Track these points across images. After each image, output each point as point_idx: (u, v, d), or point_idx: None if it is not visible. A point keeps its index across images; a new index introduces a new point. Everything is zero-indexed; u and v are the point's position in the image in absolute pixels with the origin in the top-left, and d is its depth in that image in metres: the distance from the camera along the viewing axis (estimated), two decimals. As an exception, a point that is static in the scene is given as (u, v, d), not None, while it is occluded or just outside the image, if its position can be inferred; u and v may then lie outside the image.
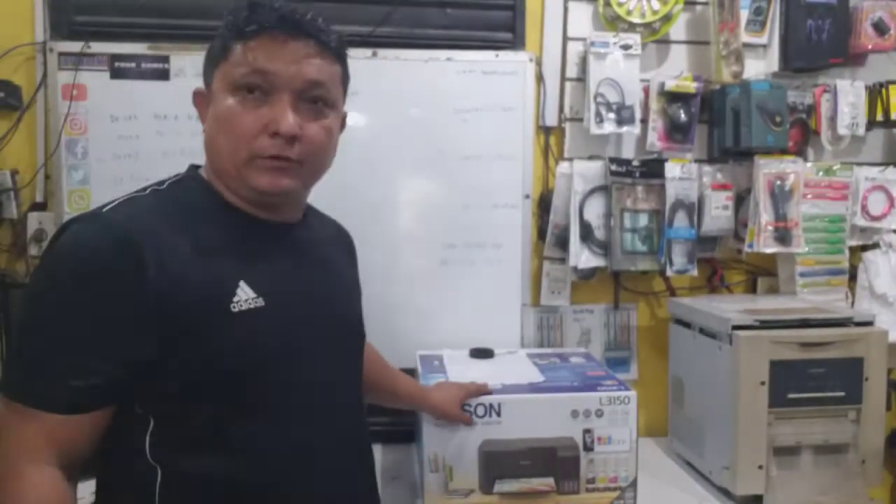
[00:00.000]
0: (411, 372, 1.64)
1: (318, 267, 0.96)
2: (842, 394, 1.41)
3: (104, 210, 0.80)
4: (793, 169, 1.69)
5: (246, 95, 0.83)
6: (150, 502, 0.79)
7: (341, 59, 0.91)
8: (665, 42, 1.75)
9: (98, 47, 1.58)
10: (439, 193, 1.69)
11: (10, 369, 0.77)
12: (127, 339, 0.76)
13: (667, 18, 1.69)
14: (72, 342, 0.75)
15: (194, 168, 0.93)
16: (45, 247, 0.81)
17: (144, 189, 0.87)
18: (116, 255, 0.76)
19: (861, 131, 1.75)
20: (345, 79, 0.93)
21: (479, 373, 1.40)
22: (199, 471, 0.80)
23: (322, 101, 0.87)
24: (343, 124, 0.97)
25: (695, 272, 1.72)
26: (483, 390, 1.29)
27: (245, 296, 0.82)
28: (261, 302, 0.83)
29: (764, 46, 1.76)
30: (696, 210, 1.72)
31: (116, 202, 0.82)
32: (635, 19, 1.67)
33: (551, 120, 1.73)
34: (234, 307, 0.81)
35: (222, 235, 0.85)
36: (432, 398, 1.27)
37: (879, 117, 1.75)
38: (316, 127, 0.86)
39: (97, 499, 0.85)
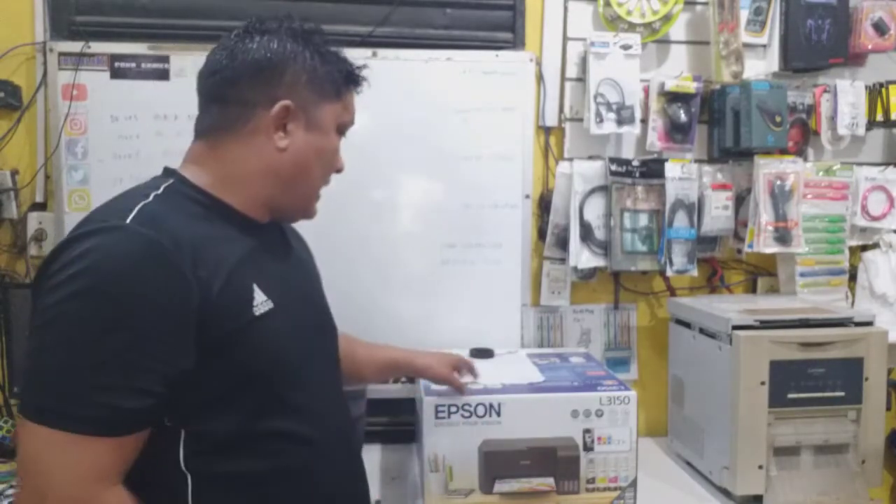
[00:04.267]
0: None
1: (298, 265, 1.02)
2: (842, 394, 1.41)
3: (127, 221, 0.77)
4: (793, 169, 1.69)
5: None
6: None
7: None
8: (665, 42, 1.75)
9: (98, 47, 1.58)
10: (439, 193, 1.69)
11: (47, 395, 0.72)
12: (175, 357, 0.77)
13: (667, 18, 1.69)
14: (127, 365, 0.73)
15: (171, 171, 0.90)
16: (61, 258, 0.75)
17: (146, 195, 0.83)
18: (164, 279, 0.75)
19: (861, 131, 1.75)
20: None
21: (479, 373, 1.40)
22: (228, 474, 0.82)
23: None
24: None
25: (695, 272, 1.72)
26: (471, 368, 1.34)
27: (260, 299, 0.85)
28: (271, 304, 0.85)
29: (764, 46, 1.76)
30: (696, 210, 1.72)
31: (138, 211, 0.79)
32: (635, 19, 1.67)
33: (551, 120, 1.73)
34: (256, 311, 0.83)
35: (233, 241, 0.87)
36: (419, 361, 1.30)
37: (879, 117, 1.76)
38: None
39: None
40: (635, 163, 1.71)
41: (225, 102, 0.88)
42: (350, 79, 0.95)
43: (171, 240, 0.77)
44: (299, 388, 0.89)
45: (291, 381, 0.88)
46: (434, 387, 1.34)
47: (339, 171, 1.00)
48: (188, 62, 1.58)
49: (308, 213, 0.98)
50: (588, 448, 1.29)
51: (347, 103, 0.96)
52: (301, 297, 0.95)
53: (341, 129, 0.97)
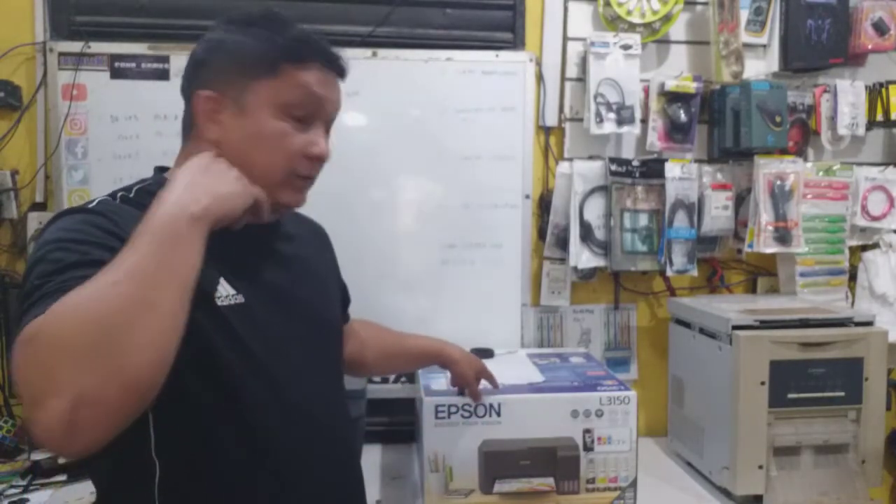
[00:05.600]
0: (411, 372, 1.65)
1: (294, 265, 0.97)
2: (842, 394, 1.41)
3: (94, 205, 0.81)
4: (793, 169, 1.69)
5: (294, 119, 0.87)
6: (150, 499, 0.79)
7: None
8: (665, 42, 1.75)
9: (98, 47, 1.58)
10: (439, 193, 1.69)
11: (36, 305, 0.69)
12: None
13: (667, 18, 1.69)
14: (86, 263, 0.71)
15: (160, 171, 0.92)
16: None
17: (113, 195, 0.84)
18: (109, 237, 0.75)
19: (861, 131, 1.75)
20: None
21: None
22: (194, 466, 0.81)
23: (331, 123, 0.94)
24: None
25: (695, 272, 1.72)
26: (493, 381, 1.31)
27: (225, 292, 0.83)
28: (241, 298, 0.84)
29: (764, 46, 1.76)
30: (696, 210, 1.72)
31: (94, 200, 0.82)
32: (635, 19, 1.67)
33: (551, 120, 1.73)
34: (218, 301, 0.82)
35: None
36: (450, 351, 1.27)
37: (879, 117, 1.76)
38: (328, 148, 0.93)
39: (98, 499, 0.85)
40: (635, 163, 1.71)
41: (186, 102, 0.90)
42: (289, 51, 0.85)
43: (121, 212, 0.79)
44: (271, 386, 0.86)
45: (261, 379, 0.85)
46: (434, 387, 1.34)
47: (315, 157, 0.88)
48: (188, 62, 1.58)
49: (278, 202, 0.88)
50: (588, 448, 1.29)
51: (291, 78, 0.85)
52: (286, 297, 0.92)
53: (290, 109, 0.86)
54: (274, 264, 0.94)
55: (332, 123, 0.94)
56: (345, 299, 1.18)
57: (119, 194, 0.85)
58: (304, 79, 0.86)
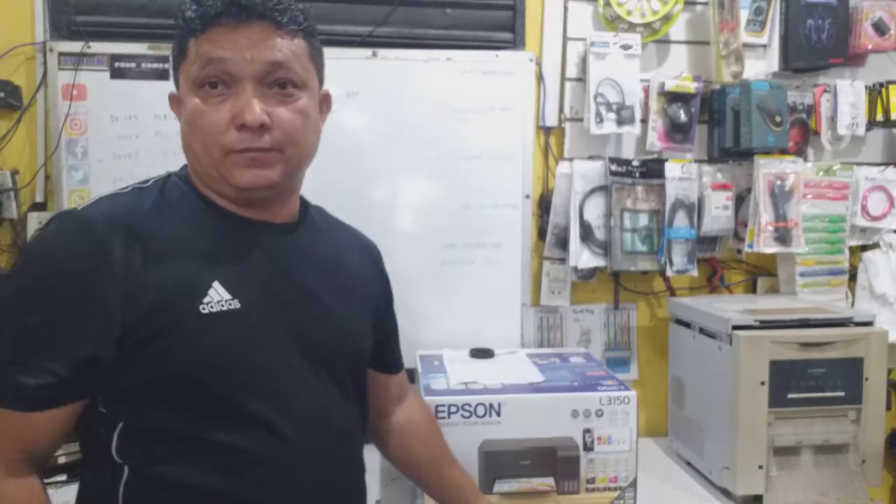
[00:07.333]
0: (411, 372, 1.65)
1: (309, 271, 0.89)
2: (842, 394, 1.41)
3: (82, 207, 0.80)
4: (793, 169, 1.69)
5: (209, 91, 0.80)
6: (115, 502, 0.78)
7: (306, 34, 0.84)
8: (665, 42, 1.75)
9: (98, 47, 1.57)
10: (439, 193, 1.69)
11: None
12: (83, 339, 0.74)
13: (667, 18, 1.69)
14: (28, 340, 0.74)
15: (185, 167, 0.90)
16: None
17: (128, 187, 0.86)
18: (82, 254, 0.75)
19: (861, 131, 1.75)
20: (314, 54, 0.87)
21: (479, 373, 1.40)
22: (164, 475, 0.77)
23: (290, 82, 0.82)
24: (327, 104, 0.93)
25: (695, 272, 1.72)
26: None
27: (217, 297, 0.79)
28: (236, 304, 0.79)
29: (764, 46, 1.76)
30: (696, 210, 1.72)
31: (98, 199, 0.82)
32: (635, 19, 1.67)
33: (551, 120, 1.73)
34: (203, 308, 0.77)
35: (200, 234, 0.82)
36: None
37: (879, 117, 1.76)
38: (286, 111, 0.82)
39: (77, 499, 0.85)
40: (635, 163, 1.71)
41: None
42: (188, 27, 0.80)
43: (105, 217, 0.78)
44: (265, 399, 0.80)
45: (249, 391, 0.79)
46: (434, 386, 1.34)
47: (242, 125, 0.79)
48: (188, 62, 1.58)
49: (236, 185, 0.81)
50: (588, 448, 1.29)
51: (194, 51, 0.80)
52: (292, 304, 0.85)
53: (200, 83, 0.80)
54: (286, 267, 0.86)
55: (276, 76, 0.81)
56: (389, 338, 1.08)
57: (132, 187, 0.86)
58: (203, 47, 0.79)
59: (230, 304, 0.79)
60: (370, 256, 1.06)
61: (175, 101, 0.87)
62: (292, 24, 0.81)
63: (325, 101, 0.92)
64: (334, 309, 0.90)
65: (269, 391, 0.81)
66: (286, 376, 0.83)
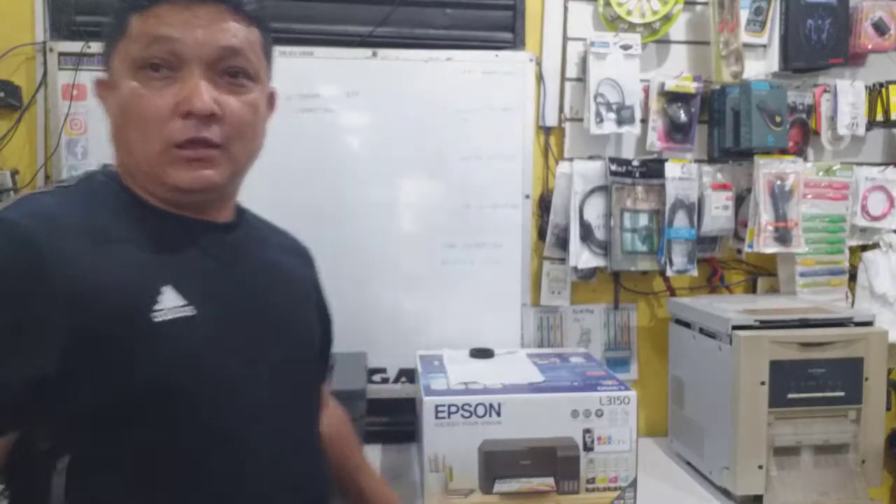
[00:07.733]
0: (411, 372, 1.65)
1: (258, 271, 0.83)
2: (842, 394, 1.41)
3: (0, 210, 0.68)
4: (793, 169, 1.69)
5: (151, 74, 0.71)
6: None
7: (260, 25, 0.78)
8: (665, 42, 1.75)
9: (98, 47, 1.57)
10: (439, 193, 1.69)
11: None
12: (19, 352, 0.63)
13: (667, 18, 1.69)
14: None
15: (107, 166, 0.82)
16: None
17: (49, 186, 0.77)
18: (9, 259, 0.64)
19: (861, 131, 1.75)
20: (267, 48, 0.80)
21: (479, 373, 1.40)
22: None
23: (242, 72, 0.75)
24: (272, 104, 0.85)
25: (695, 272, 1.71)
26: None
27: (170, 303, 0.70)
28: (190, 311, 0.71)
29: (764, 46, 1.76)
30: (696, 210, 1.71)
31: (17, 199, 0.71)
32: (635, 19, 1.67)
33: (551, 120, 1.73)
34: (155, 316, 0.68)
35: (140, 234, 0.73)
36: None
37: (879, 117, 1.75)
38: (237, 103, 0.74)
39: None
40: (635, 163, 1.71)
41: None
42: (129, 2, 0.73)
43: (31, 216, 0.67)
44: (229, 413, 0.73)
45: (211, 405, 0.71)
46: (434, 386, 1.34)
47: (188, 112, 0.71)
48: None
49: (167, 184, 0.74)
50: (588, 448, 1.29)
51: (137, 28, 0.72)
52: (246, 307, 0.78)
53: (141, 63, 0.72)
54: (232, 268, 0.80)
55: (229, 63, 0.74)
56: (326, 340, 0.99)
57: (55, 186, 0.76)
58: (148, 23, 0.71)
59: (184, 311, 0.71)
60: (306, 262, 0.97)
61: (104, 87, 0.76)
62: (250, 10, 0.75)
63: (271, 100, 0.85)
64: (282, 309, 0.84)
65: (236, 401, 0.74)
66: (249, 385, 0.76)
